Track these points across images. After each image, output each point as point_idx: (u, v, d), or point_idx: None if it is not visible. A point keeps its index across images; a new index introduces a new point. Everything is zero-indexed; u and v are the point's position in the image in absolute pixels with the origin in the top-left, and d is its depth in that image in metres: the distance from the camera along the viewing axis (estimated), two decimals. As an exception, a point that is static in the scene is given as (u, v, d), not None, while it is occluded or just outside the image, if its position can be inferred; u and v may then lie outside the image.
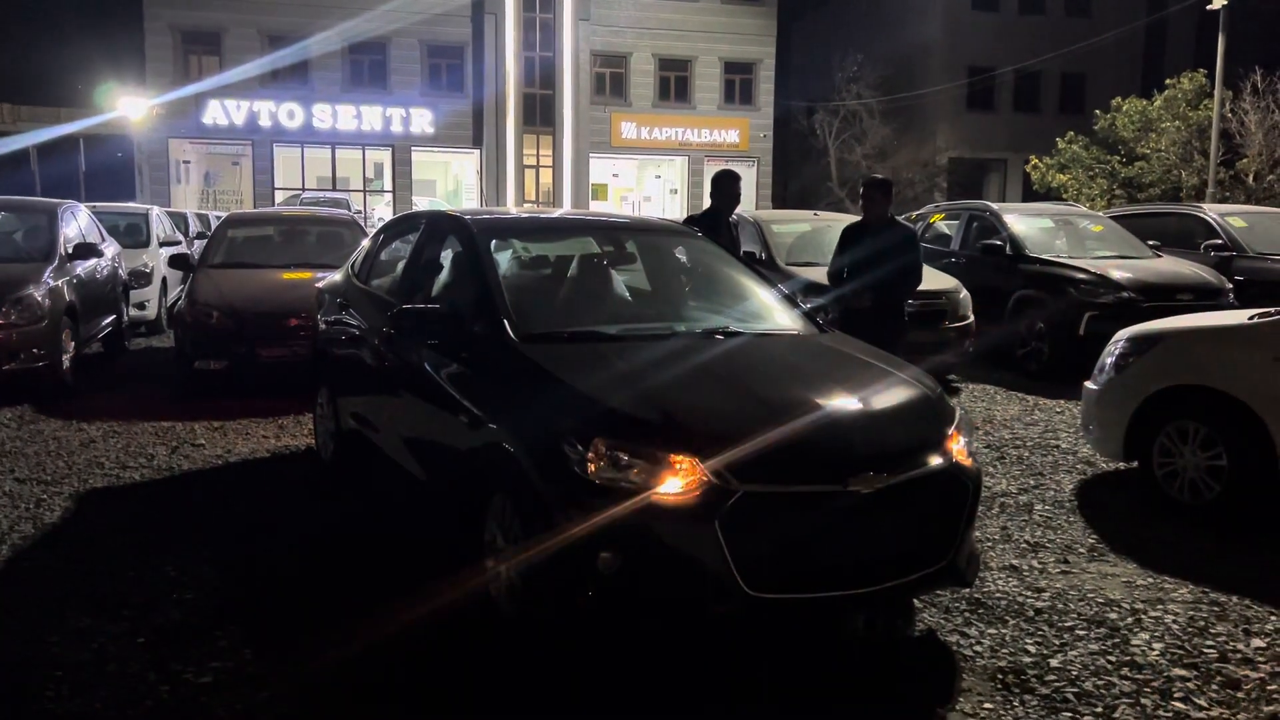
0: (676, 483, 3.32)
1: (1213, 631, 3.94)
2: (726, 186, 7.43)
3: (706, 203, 7.73)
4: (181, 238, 15.52)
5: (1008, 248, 10.78)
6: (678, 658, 3.63)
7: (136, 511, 5.38)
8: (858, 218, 7.30)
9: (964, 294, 9.51)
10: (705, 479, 3.31)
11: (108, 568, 4.46)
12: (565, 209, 29.95)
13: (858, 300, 6.67)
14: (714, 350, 4.30)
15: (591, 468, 3.39)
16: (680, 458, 3.34)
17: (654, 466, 3.35)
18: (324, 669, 3.53)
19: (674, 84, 37.92)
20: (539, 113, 35.64)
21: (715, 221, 7.31)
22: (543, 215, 6.81)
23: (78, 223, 10.03)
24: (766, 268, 9.03)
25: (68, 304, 8.60)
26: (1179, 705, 3.36)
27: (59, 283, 8.60)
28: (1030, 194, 31.36)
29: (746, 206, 26.85)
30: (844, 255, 6.92)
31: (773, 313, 4.98)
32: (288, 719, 3.22)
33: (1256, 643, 3.84)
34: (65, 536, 4.95)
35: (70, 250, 9.19)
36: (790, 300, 5.16)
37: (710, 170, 36.38)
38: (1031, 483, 6.10)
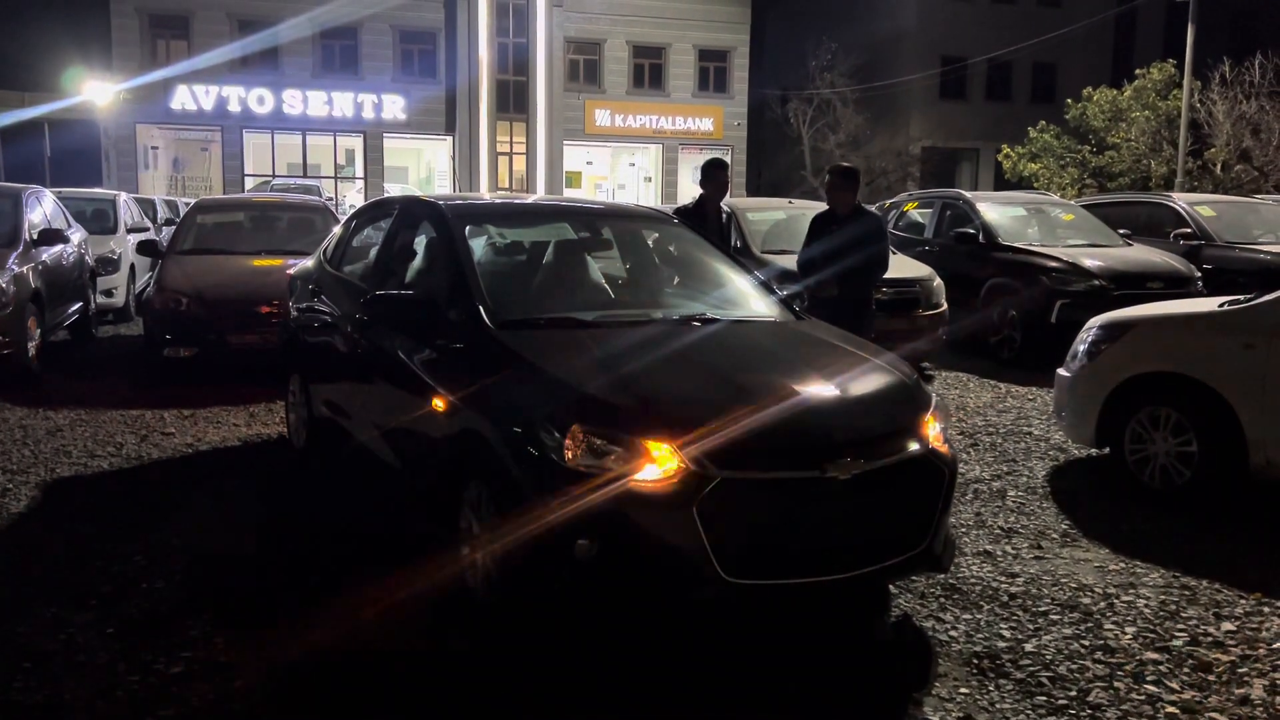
0: (654, 469, 3.30)
1: (1184, 615, 3.98)
2: (715, 174, 7.41)
3: (683, 190, 7.70)
4: (150, 224, 15.32)
5: (981, 236, 10.85)
6: (653, 641, 3.62)
7: (105, 500, 5.31)
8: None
9: (937, 282, 9.55)
10: (683, 465, 3.29)
11: (75, 557, 4.40)
12: (539, 195, 29.82)
13: (823, 290, 6.67)
14: (691, 337, 4.29)
15: (569, 454, 3.37)
16: (658, 444, 3.33)
17: (631, 453, 3.33)
18: (297, 658, 3.49)
19: (648, 71, 37.79)
20: (512, 99, 35.41)
21: (702, 210, 7.29)
22: (518, 201, 6.76)
23: (43, 208, 9.87)
24: (741, 255, 9.03)
25: (33, 290, 8.46)
26: (1151, 688, 3.39)
27: (23, 269, 8.46)
28: (1002, 183, 31.53)
29: (721, 194, 26.75)
30: (812, 245, 6.92)
31: (749, 299, 4.97)
32: (260, 708, 3.19)
33: (1227, 626, 3.89)
34: (32, 525, 4.88)
35: (35, 236, 9.04)
36: (767, 287, 5.14)
37: (685, 158, 36.62)
38: (1005, 469, 6.14)
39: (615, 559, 3.30)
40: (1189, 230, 11.35)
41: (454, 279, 4.48)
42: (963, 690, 3.35)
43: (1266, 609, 4.04)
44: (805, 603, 3.86)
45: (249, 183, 32.92)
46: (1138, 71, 27.75)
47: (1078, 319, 6.62)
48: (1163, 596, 4.16)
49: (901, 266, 9.18)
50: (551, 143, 35.74)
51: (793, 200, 12.64)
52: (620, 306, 4.95)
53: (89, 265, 10.87)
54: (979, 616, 3.94)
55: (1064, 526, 5.08)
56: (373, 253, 5.69)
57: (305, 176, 33.34)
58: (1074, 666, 3.53)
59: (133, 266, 13.18)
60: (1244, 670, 3.53)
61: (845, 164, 7.28)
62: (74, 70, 30.59)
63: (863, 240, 6.68)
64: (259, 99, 33.82)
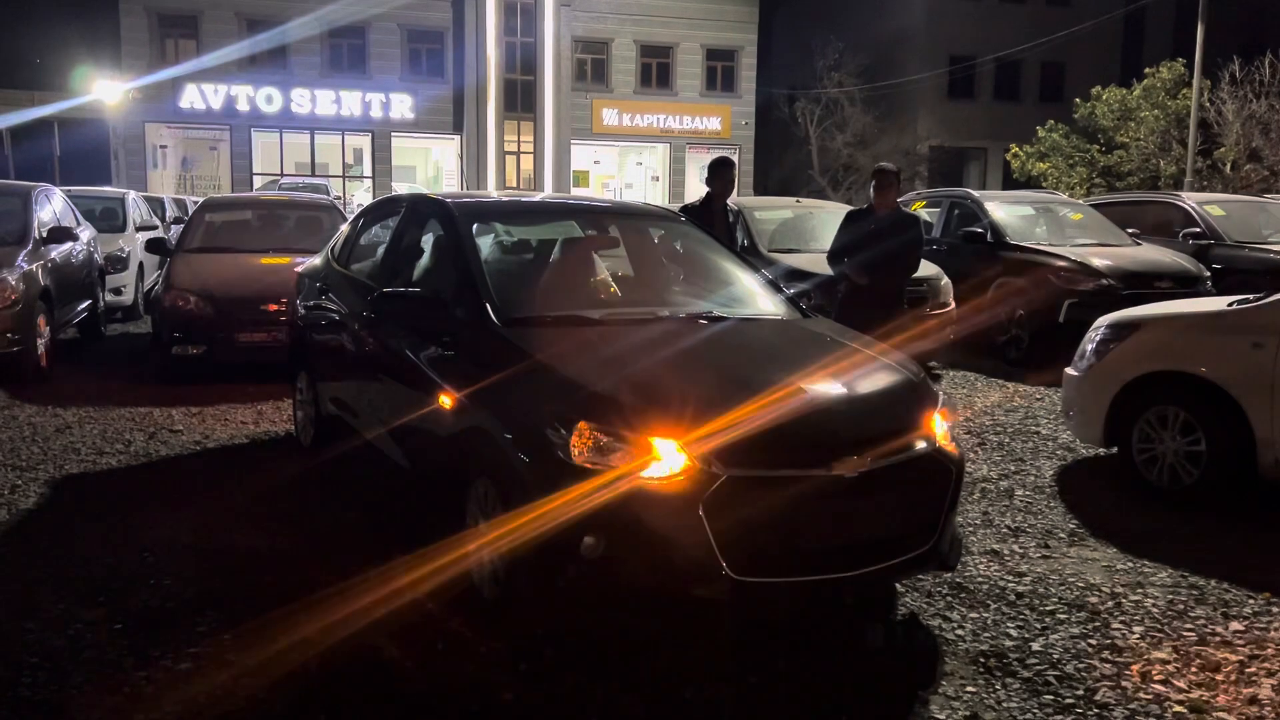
0: (660, 467, 3.30)
1: (1192, 614, 3.97)
2: (721, 172, 7.44)
3: (690, 189, 7.74)
4: (158, 222, 15.36)
5: (989, 235, 10.81)
6: (658, 637, 3.62)
7: (113, 497, 5.33)
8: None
9: (945, 281, 9.53)
10: (689, 463, 3.30)
11: (84, 554, 4.41)
12: (546, 194, 29.82)
13: (857, 275, 6.69)
14: (698, 334, 4.29)
15: (575, 451, 3.37)
16: (664, 442, 3.33)
17: (637, 450, 3.33)
18: (304, 655, 3.49)
19: (655, 70, 37.79)
20: (520, 99, 35.41)
21: (709, 208, 7.31)
22: (525, 199, 6.78)
23: (52, 206, 9.90)
24: (749, 254, 9.02)
25: (42, 288, 8.49)
26: (1159, 688, 3.38)
27: (33, 267, 8.49)
28: (1010, 182, 31.45)
29: (728, 194, 26.72)
30: (846, 237, 6.91)
31: (756, 297, 4.96)
32: (268, 705, 3.19)
33: (1235, 625, 3.87)
34: (41, 522, 4.90)
35: (44, 234, 9.07)
36: (774, 285, 5.14)
37: (692, 157, 36.61)
38: (1012, 468, 6.13)
39: (621, 556, 3.30)
40: (1198, 229, 11.30)
41: (461, 276, 4.49)
42: (969, 689, 3.35)
43: (1275, 608, 4.03)
44: (812, 601, 3.85)
45: (257, 181, 33.02)
46: (1147, 70, 27.64)
47: (1086, 318, 6.61)
48: (1170, 596, 4.15)
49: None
50: (559, 142, 35.74)
51: (800, 199, 12.64)
52: (627, 304, 4.95)
53: (98, 263, 10.90)
54: (986, 615, 3.93)
55: (1071, 526, 5.07)
56: (380, 251, 5.70)
57: (313, 175, 33.41)
58: (1081, 665, 3.52)
59: (141, 265, 13.22)
60: (1252, 670, 3.52)
61: (887, 165, 7.24)
62: (83, 69, 30.72)
63: (899, 234, 6.73)
64: (267, 98, 33.90)
